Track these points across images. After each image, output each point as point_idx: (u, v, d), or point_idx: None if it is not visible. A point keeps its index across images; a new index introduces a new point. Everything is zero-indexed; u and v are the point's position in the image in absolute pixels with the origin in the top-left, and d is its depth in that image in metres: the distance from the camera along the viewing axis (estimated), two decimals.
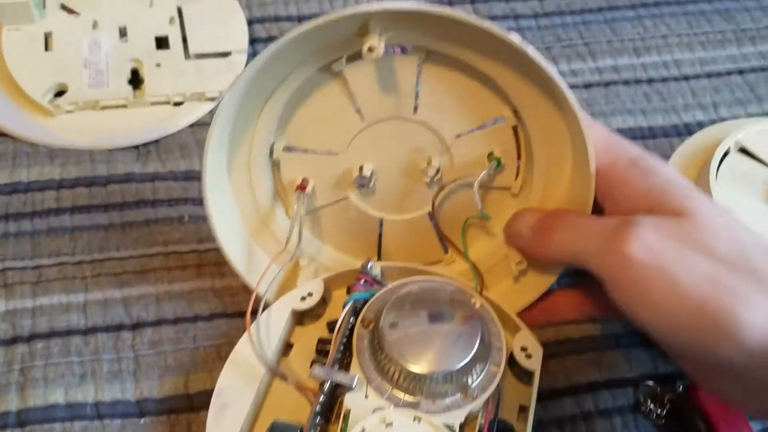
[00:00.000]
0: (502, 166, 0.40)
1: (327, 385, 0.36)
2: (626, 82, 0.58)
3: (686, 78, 0.59)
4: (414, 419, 0.34)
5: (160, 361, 0.41)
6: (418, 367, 0.35)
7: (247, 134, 0.39)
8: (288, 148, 0.41)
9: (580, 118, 0.34)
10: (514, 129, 0.39)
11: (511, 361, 0.39)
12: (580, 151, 0.35)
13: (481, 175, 0.39)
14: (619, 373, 0.42)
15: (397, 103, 0.39)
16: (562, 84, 0.34)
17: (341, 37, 0.36)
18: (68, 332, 0.42)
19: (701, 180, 0.45)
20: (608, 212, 0.35)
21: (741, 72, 0.59)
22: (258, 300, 0.38)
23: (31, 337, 0.42)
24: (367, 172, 0.40)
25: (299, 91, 0.39)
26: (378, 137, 0.40)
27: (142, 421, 0.39)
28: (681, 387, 0.41)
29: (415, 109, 0.39)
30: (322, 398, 0.35)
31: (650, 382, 0.42)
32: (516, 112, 0.38)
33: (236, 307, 0.44)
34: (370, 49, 0.35)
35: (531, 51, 0.33)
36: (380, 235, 0.43)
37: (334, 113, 0.39)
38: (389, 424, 0.34)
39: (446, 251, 0.44)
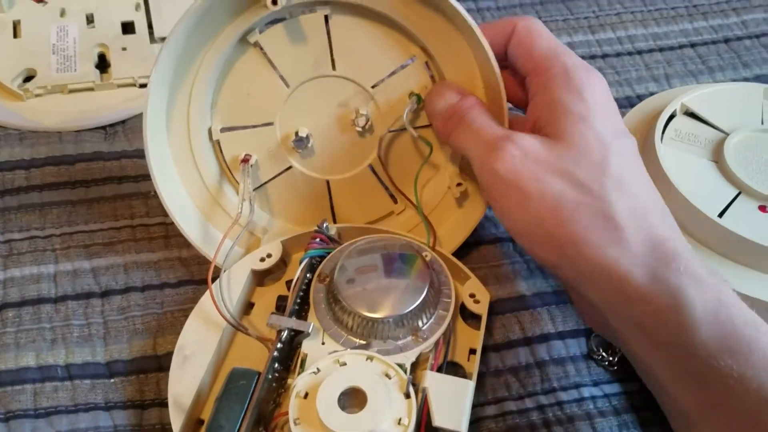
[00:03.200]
0: (423, 101, 0.42)
1: (284, 333, 0.37)
2: (581, 57, 0.60)
3: (639, 52, 0.61)
4: (367, 359, 0.36)
5: (128, 325, 0.42)
6: (370, 313, 0.37)
7: (182, 118, 0.41)
8: (225, 129, 0.43)
9: (474, 27, 0.38)
10: (426, 64, 0.41)
11: (463, 308, 0.41)
12: (483, 61, 0.39)
13: (405, 111, 0.42)
14: (572, 325, 0.44)
15: (315, 62, 0.41)
16: (453, 2, 0.37)
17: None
18: (39, 300, 0.43)
19: (647, 142, 0.47)
20: (527, 111, 0.38)
21: (693, 45, 0.62)
22: (216, 269, 0.40)
23: (3, 306, 0.43)
24: (303, 134, 0.43)
25: (223, 68, 0.41)
26: (306, 100, 0.42)
27: (112, 380, 0.40)
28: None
29: (333, 64, 0.41)
30: (279, 345, 0.37)
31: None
32: (424, 49, 0.41)
33: (203, 275, 0.45)
34: (274, 2, 0.37)
35: None
36: (330, 199, 0.45)
37: (260, 85, 0.42)
38: (343, 364, 0.36)
39: (395, 201, 0.45)
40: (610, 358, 0.43)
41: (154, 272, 0.45)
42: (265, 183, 0.44)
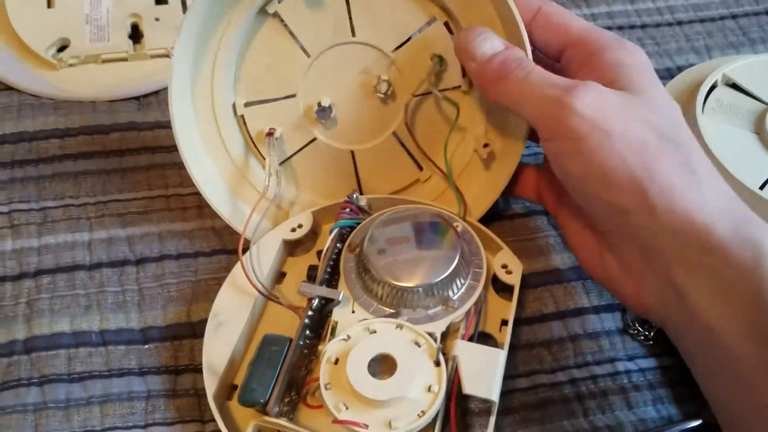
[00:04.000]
0: (445, 62, 0.41)
1: (315, 302, 0.37)
2: (620, 28, 0.59)
3: (680, 23, 0.59)
4: (396, 327, 0.36)
5: (163, 292, 0.43)
6: (400, 282, 0.37)
7: (207, 93, 0.41)
8: (249, 103, 0.42)
9: None
10: (446, 25, 0.41)
11: (495, 280, 0.40)
12: (506, 15, 0.38)
13: (429, 74, 0.41)
14: (607, 299, 0.43)
15: (335, 30, 0.41)
16: None
17: None
18: (73, 268, 0.43)
19: (688, 112, 0.46)
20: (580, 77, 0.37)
21: (734, 17, 0.60)
22: (246, 241, 0.40)
23: (38, 273, 0.43)
24: (325, 104, 0.42)
25: (244, 41, 0.41)
26: (327, 69, 0.42)
27: (146, 346, 0.41)
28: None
29: (353, 30, 0.41)
30: (310, 312, 0.37)
31: None
32: (444, 8, 0.40)
33: (235, 245, 0.44)
34: None
35: None
36: (356, 170, 0.45)
37: (281, 56, 0.41)
38: (373, 332, 0.36)
39: (421, 169, 0.45)
40: (646, 333, 0.42)
41: (188, 241, 0.45)
42: (291, 156, 0.44)
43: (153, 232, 0.45)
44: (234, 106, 0.42)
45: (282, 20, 0.40)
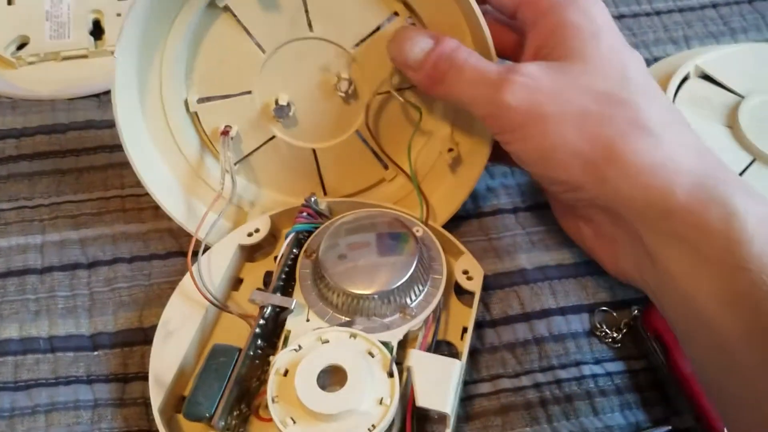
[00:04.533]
0: None
1: (268, 310, 0.36)
2: None
3: (658, 13, 0.58)
4: (350, 336, 0.34)
5: (114, 297, 0.42)
6: (356, 289, 0.35)
7: (155, 90, 0.40)
8: (202, 99, 0.41)
9: None
10: (410, 20, 0.39)
11: (457, 286, 0.39)
12: (467, 9, 0.36)
13: (390, 75, 0.39)
14: (574, 301, 0.42)
15: (290, 24, 0.39)
16: None
17: None
18: (24, 271, 0.42)
19: None
20: (527, 41, 0.36)
21: (715, 5, 0.58)
22: (198, 244, 0.39)
23: None
24: (283, 102, 0.40)
25: (194, 36, 0.39)
26: (284, 65, 0.40)
27: (96, 353, 0.39)
28: (636, 311, 0.41)
29: (310, 25, 0.39)
30: (261, 321, 0.36)
31: (605, 308, 0.42)
32: (406, 4, 0.38)
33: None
34: None
35: None
36: (318, 168, 0.43)
37: (234, 51, 0.40)
38: (326, 341, 0.34)
39: (386, 168, 0.44)
40: (614, 335, 0.41)
41: (143, 243, 0.44)
42: (249, 155, 0.43)
43: (107, 234, 0.44)
44: (186, 102, 0.41)
45: (234, 14, 0.39)
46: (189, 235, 0.43)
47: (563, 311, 0.41)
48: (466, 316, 0.38)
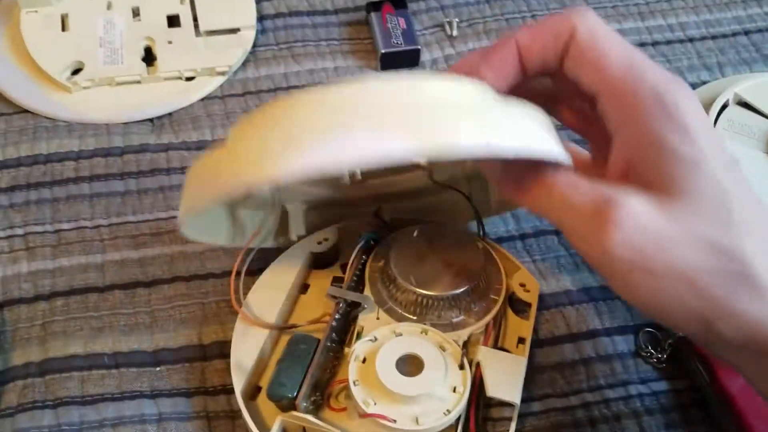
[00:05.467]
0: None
1: (342, 306, 0.39)
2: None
3: (691, 40, 0.59)
4: (422, 332, 0.37)
5: (174, 314, 0.43)
6: (424, 290, 0.38)
7: None
8: None
9: None
10: None
11: (511, 301, 0.41)
12: None
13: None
14: (619, 322, 0.43)
15: None
16: None
17: None
18: (86, 290, 0.44)
19: None
20: (613, 149, 0.31)
21: (747, 33, 0.60)
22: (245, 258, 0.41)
23: (52, 295, 0.44)
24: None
25: None
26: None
27: (158, 368, 0.41)
28: (680, 333, 0.42)
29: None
30: (338, 315, 0.38)
31: (650, 329, 0.43)
32: None
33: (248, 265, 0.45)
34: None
35: None
36: None
37: None
38: (399, 334, 0.37)
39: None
40: (659, 356, 0.42)
41: (200, 263, 0.45)
42: None
43: (165, 254, 0.46)
44: None
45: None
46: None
47: (609, 332, 0.43)
48: (521, 327, 0.41)
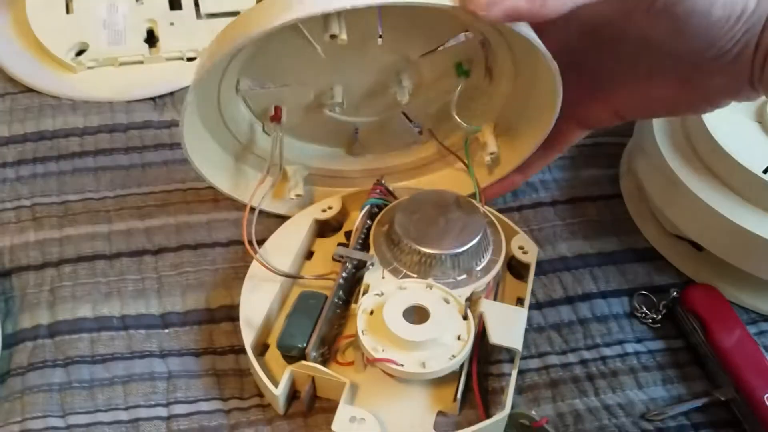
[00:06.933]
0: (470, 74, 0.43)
1: (348, 265, 0.40)
2: None
3: None
4: (426, 287, 0.39)
5: (182, 280, 0.44)
6: (428, 249, 0.39)
7: (214, 88, 0.41)
8: (255, 86, 0.42)
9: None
10: (481, 44, 0.41)
11: (510, 267, 0.43)
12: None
13: (457, 92, 0.42)
14: (614, 285, 0.44)
15: (362, 36, 0.39)
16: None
17: None
18: (94, 257, 0.45)
19: None
20: None
21: None
22: (253, 211, 0.42)
23: (60, 262, 0.44)
24: (338, 98, 0.43)
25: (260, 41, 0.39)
26: (345, 63, 0.42)
27: (166, 330, 0.42)
28: (675, 293, 0.43)
29: (380, 37, 0.39)
30: (345, 274, 0.39)
31: (644, 292, 0.44)
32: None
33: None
34: (332, 36, 0.35)
35: None
36: (356, 131, 0.46)
37: (297, 54, 0.41)
38: (404, 289, 0.38)
39: (421, 133, 0.47)
40: (654, 316, 0.43)
41: (206, 232, 0.46)
42: (293, 125, 0.45)
43: (171, 224, 0.47)
44: (237, 85, 0.42)
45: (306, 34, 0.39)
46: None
47: (604, 295, 0.44)
48: (519, 289, 0.42)
